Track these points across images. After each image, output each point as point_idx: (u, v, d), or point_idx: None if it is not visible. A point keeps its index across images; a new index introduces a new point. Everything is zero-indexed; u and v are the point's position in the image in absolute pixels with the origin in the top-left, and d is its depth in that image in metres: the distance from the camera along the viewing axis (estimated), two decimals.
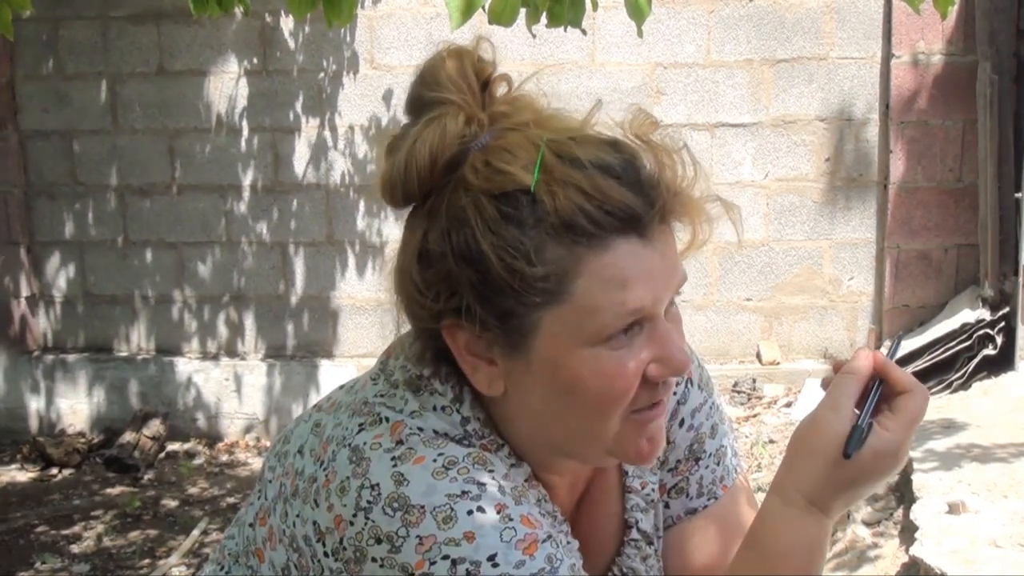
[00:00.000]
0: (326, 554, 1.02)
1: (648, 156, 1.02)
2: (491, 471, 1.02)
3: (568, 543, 1.09)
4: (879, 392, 1.06)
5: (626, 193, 0.99)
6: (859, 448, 1.01)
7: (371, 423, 1.05)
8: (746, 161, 5.75)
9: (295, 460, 1.10)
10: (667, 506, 1.16)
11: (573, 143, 1.00)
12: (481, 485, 1.00)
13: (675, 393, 1.13)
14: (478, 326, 1.00)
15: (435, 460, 1.01)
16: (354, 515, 0.99)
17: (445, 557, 0.96)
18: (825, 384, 1.07)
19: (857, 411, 1.04)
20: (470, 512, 0.98)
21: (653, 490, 1.18)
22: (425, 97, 1.03)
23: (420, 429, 1.04)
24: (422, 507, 0.97)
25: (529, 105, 1.05)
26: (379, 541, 0.98)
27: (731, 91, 5.71)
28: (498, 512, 0.98)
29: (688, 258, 1.09)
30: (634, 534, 1.18)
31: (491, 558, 0.96)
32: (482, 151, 1.00)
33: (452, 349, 1.04)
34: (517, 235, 0.98)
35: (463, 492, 0.99)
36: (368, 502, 0.99)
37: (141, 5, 5.93)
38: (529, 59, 5.67)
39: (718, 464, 1.15)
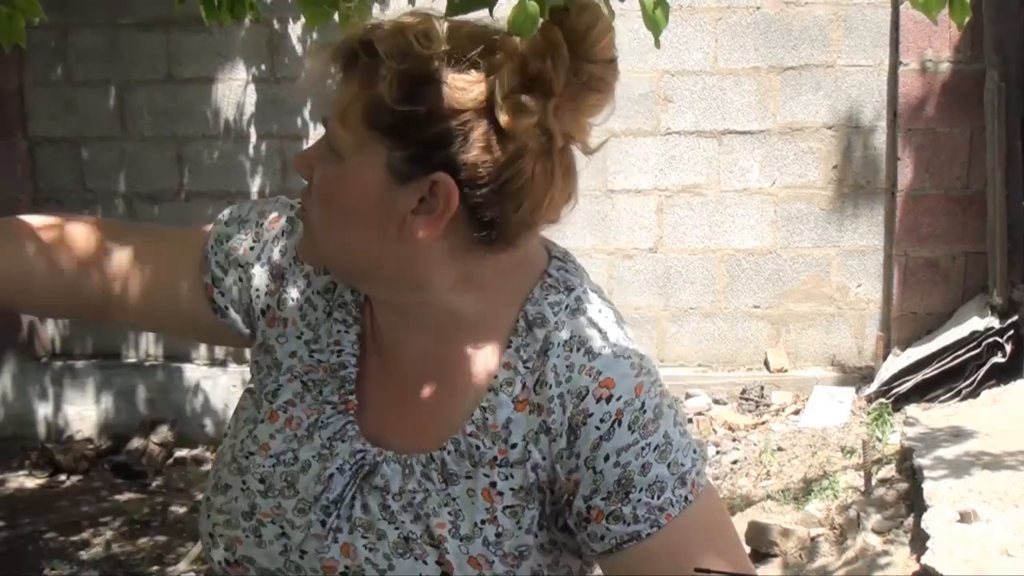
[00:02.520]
0: None
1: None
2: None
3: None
4: None
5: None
6: None
7: None
8: (753, 168, 5.75)
9: None
10: (608, 529, 1.15)
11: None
12: None
13: (598, 429, 1.14)
14: None
15: None
16: None
17: None
18: None
19: None
20: None
21: (519, 448, 1.17)
22: None
23: None
24: None
25: None
26: None
27: (738, 99, 5.72)
28: None
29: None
30: (462, 445, 1.18)
31: None
32: None
33: None
34: None
35: None
36: None
37: (150, 12, 5.95)
38: None
39: (653, 497, 1.14)
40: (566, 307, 1.20)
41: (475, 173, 1.12)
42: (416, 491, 1.18)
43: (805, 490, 4.66)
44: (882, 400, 5.28)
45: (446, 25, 1.13)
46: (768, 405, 5.67)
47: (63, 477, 5.78)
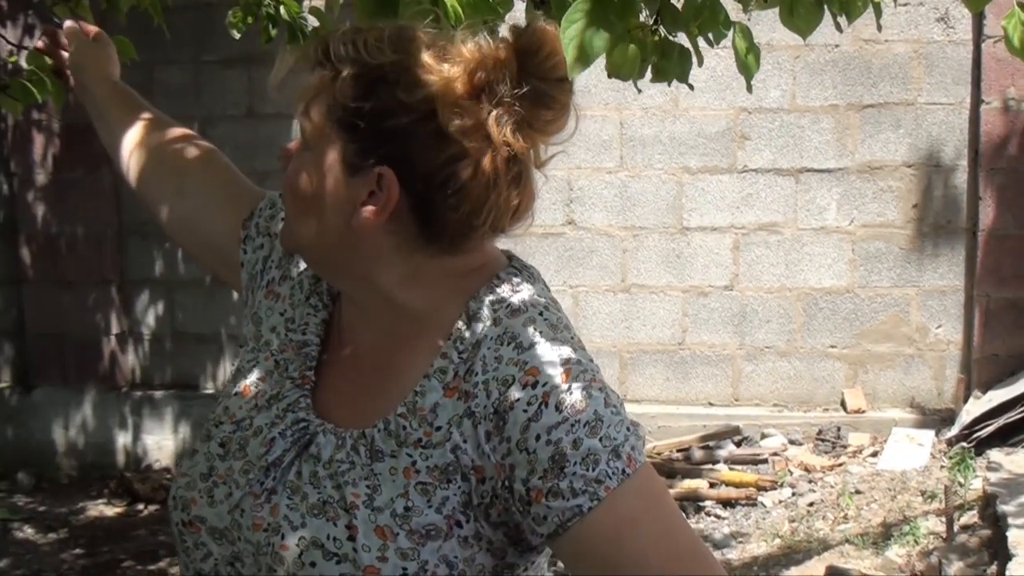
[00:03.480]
0: None
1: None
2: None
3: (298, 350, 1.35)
4: None
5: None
6: None
7: None
8: (831, 207, 5.70)
9: None
10: (549, 508, 1.17)
11: None
12: None
13: (526, 411, 1.18)
14: None
15: None
16: None
17: None
18: None
19: None
20: None
21: (442, 431, 1.22)
22: None
23: None
24: None
25: None
26: None
27: (816, 136, 5.68)
28: None
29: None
30: (392, 425, 1.23)
31: None
32: None
33: None
34: None
35: None
36: None
37: (232, 50, 6.04)
38: (613, 104, 5.70)
39: (588, 470, 1.16)
40: (507, 306, 1.25)
41: (417, 169, 1.22)
42: (343, 461, 1.24)
43: (885, 535, 4.58)
44: (963, 444, 5.18)
45: (404, 33, 1.24)
46: (845, 446, 5.58)
47: (141, 506, 5.86)
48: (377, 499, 1.21)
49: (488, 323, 1.24)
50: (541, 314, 1.25)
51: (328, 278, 1.37)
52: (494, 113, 1.21)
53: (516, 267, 1.32)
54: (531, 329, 1.22)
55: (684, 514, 5.02)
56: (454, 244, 1.26)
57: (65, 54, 1.90)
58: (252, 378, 1.37)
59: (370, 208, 1.23)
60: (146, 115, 1.75)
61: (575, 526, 1.17)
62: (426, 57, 1.22)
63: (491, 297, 1.26)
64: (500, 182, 1.24)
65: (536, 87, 1.22)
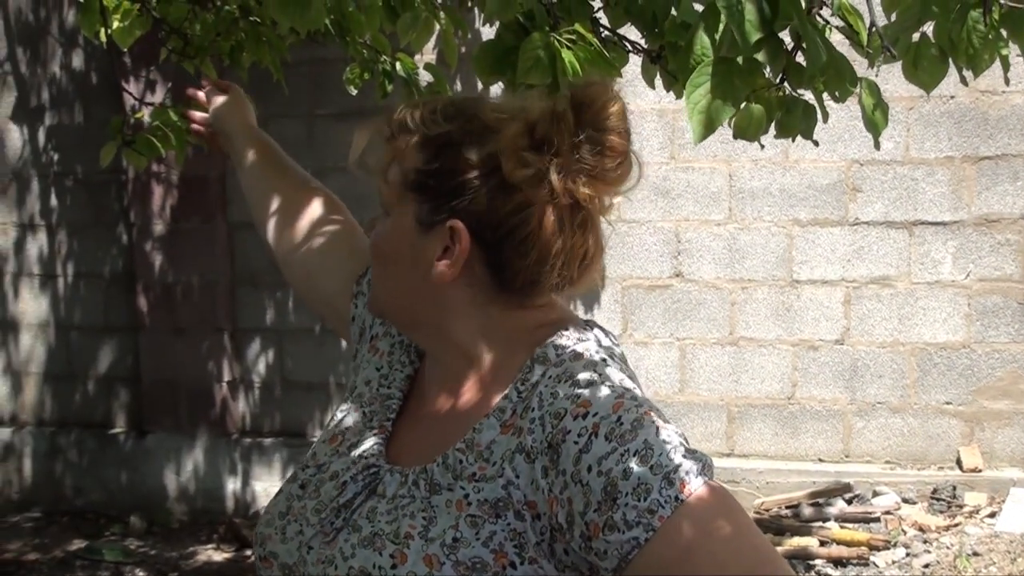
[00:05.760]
0: None
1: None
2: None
3: (383, 398, 1.45)
4: None
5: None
6: None
7: None
8: (946, 260, 5.58)
9: None
10: (608, 542, 1.15)
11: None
12: None
13: (576, 443, 1.19)
14: None
15: None
16: None
17: None
18: None
19: None
20: None
21: (496, 466, 1.25)
22: None
23: None
24: None
25: None
26: None
27: (931, 189, 5.57)
28: None
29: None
30: (450, 459, 1.28)
31: None
32: None
33: None
34: None
35: None
36: None
37: (345, 104, 6.14)
38: (722, 156, 5.67)
39: (640, 500, 1.14)
40: (570, 352, 1.30)
41: (485, 220, 1.30)
42: (404, 496, 1.30)
43: None
44: None
45: (458, 104, 1.35)
46: (961, 506, 5.41)
47: (249, 552, 5.92)
48: (432, 530, 1.25)
49: (550, 365, 1.29)
50: (604, 360, 1.29)
51: (408, 334, 1.47)
52: (555, 163, 1.28)
53: (590, 324, 1.37)
54: (590, 372, 1.26)
55: (794, 571, 4.92)
56: (525, 294, 1.34)
57: (201, 114, 2.11)
58: (342, 427, 1.45)
59: (445, 262, 1.31)
60: (281, 166, 1.91)
61: (635, 559, 1.15)
62: (487, 118, 1.31)
63: (557, 342, 1.32)
64: (565, 228, 1.31)
65: (594, 137, 1.29)
